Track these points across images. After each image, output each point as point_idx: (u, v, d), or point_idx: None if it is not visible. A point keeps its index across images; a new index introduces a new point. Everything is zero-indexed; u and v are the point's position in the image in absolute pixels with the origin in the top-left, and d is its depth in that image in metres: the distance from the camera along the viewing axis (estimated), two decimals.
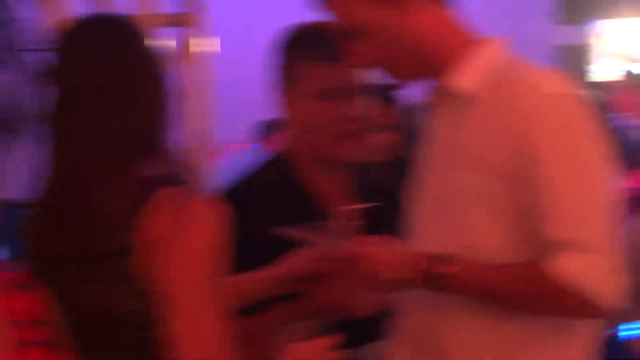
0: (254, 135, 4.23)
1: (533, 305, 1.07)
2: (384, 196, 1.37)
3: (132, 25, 1.02)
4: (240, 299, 1.21)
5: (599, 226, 1.01)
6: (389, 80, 1.23)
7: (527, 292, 1.05)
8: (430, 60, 1.13)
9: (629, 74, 6.93)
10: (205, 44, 2.83)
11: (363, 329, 1.27)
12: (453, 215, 1.11)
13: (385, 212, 1.29)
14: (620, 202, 1.09)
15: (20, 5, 3.53)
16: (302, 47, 1.37)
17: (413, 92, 1.35)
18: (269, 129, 3.82)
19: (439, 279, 1.05)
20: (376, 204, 1.34)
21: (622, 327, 2.32)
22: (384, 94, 2.06)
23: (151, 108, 0.96)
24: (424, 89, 1.21)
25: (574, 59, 7.61)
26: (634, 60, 7.40)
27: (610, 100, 6.14)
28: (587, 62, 7.89)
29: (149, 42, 1.02)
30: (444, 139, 1.16)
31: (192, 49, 2.76)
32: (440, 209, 1.14)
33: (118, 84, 0.94)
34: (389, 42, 1.12)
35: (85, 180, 0.92)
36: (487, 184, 1.06)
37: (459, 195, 1.10)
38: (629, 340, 2.37)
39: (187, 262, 0.89)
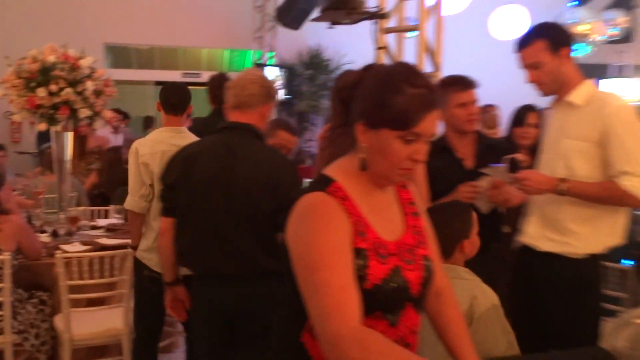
0: None
1: (608, 199, 2.00)
2: (499, 152, 2.34)
3: None
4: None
5: None
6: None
7: (607, 193, 1.98)
8: (563, 86, 2.08)
9: None
10: None
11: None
12: (565, 161, 2.07)
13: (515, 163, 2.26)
14: None
15: None
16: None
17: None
18: None
19: (563, 188, 2.00)
20: (513, 156, 2.32)
21: None
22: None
23: None
24: (552, 100, 2.18)
25: None
26: None
27: None
28: None
29: None
30: (560, 124, 2.13)
31: None
32: (558, 158, 2.10)
33: None
34: (549, 73, 2.06)
35: None
36: (585, 145, 2.02)
37: (568, 152, 2.06)
38: None
39: None
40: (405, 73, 1.14)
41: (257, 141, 2.16)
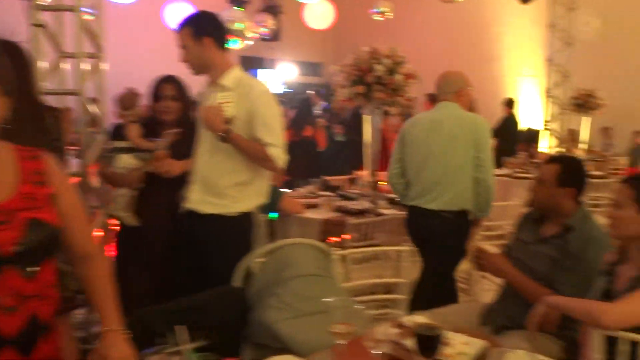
0: None
1: (256, 159, 2.18)
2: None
3: None
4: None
5: (281, 138, 2.17)
6: None
7: (258, 154, 2.15)
8: (208, 69, 2.22)
9: None
10: None
11: None
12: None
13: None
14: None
15: None
16: None
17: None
18: None
19: (228, 135, 2.13)
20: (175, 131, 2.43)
21: None
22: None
23: None
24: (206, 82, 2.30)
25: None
26: None
27: None
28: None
29: None
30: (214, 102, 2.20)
31: None
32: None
33: None
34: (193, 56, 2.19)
35: None
36: (236, 123, 2.15)
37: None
38: None
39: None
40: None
41: None
